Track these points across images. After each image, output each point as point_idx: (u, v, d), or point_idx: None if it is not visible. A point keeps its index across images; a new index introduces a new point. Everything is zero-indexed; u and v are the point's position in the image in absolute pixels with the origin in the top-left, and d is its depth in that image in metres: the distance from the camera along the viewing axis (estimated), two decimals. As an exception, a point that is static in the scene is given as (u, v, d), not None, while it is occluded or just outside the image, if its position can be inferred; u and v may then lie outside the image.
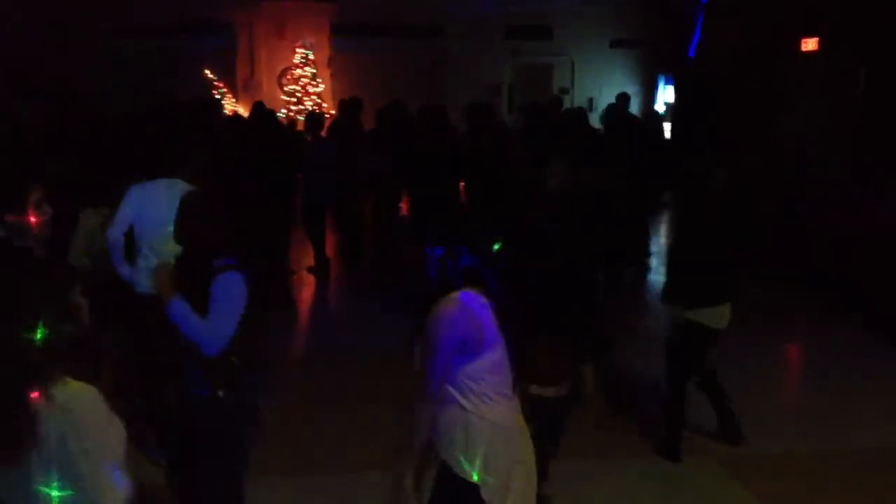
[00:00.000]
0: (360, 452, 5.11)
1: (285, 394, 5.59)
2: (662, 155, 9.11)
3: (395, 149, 9.15)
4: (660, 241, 9.73)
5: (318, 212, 9.06)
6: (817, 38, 11.79)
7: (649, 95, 16.70)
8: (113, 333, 4.14)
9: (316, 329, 7.88)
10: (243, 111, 13.81)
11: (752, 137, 11.45)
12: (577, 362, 4.07)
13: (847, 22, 10.94)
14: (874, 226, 8.54)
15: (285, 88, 16.22)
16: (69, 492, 2.13)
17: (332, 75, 16.64)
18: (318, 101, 16.05)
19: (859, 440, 5.36)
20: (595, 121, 10.90)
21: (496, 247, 3.58)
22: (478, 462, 2.90)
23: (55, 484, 2.13)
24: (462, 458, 2.91)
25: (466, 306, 2.84)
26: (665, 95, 16.36)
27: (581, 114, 9.93)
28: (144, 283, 4.44)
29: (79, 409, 2.14)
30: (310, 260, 9.26)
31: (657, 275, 9.06)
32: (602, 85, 17.04)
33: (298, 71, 16.19)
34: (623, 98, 10.22)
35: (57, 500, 2.13)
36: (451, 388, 2.90)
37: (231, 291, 3.35)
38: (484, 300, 2.89)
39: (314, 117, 9.30)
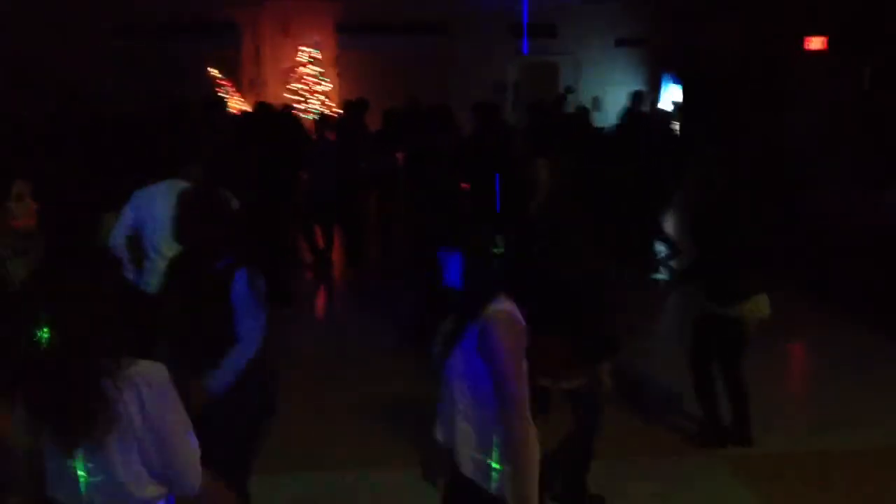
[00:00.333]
0: (360, 451, 5.13)
1: (285, 393, 5.59)
2: (669, 154, 9.10)
3: (400, 148, 9.20)
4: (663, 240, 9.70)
5: (320, 210, 9.10)
6: (822, 38, 11.78)
7: (654, 94, 16.68)
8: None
9: (314, 327, 7.89)
10: (250, 110, 13.84)
11: (756, 136, 11.43)
12: (591, 359, 4.08)
13: (851, 22, 10.92)
14: (877, 225, 8.53)
15: (291, 87, 16.23)
16: (154, 465, 2.26)
17: (338, 74, 16.64)
18: (324, 99, 16.06)
19: (862, 440, 5.35)
20: (600, 119, 10.91)
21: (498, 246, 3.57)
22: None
23: (138, 458, 2.24)
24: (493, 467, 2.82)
25: (519, 319, 2.77)
26: (671, 94, 16.34)
27: (584, 113, 9.93)
28: (153, 284, 4.50)
29: (158, 381, 2.25)
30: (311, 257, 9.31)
31: (660, 274, 9.06)
32: (607, 84, 17.03)
33: (304, 70, 16.20)
34: (635, 96, 10.20)
35: (145, 474, 2.26)
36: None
37: (247, 290, 3.43)
38: (515, 307, 2.81)
39: (324, 118, 9.41)
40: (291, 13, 16.47)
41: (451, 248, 2.81)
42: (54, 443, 2.20)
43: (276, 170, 7.45)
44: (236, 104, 15.50)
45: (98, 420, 2.17)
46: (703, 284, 5.09)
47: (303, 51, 16.20)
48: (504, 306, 2.74)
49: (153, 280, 4.54)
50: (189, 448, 2.33)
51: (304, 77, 16.19)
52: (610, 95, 16.67)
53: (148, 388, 2.23)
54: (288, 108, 11.35)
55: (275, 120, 9.41)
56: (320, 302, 8.87)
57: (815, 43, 11.84)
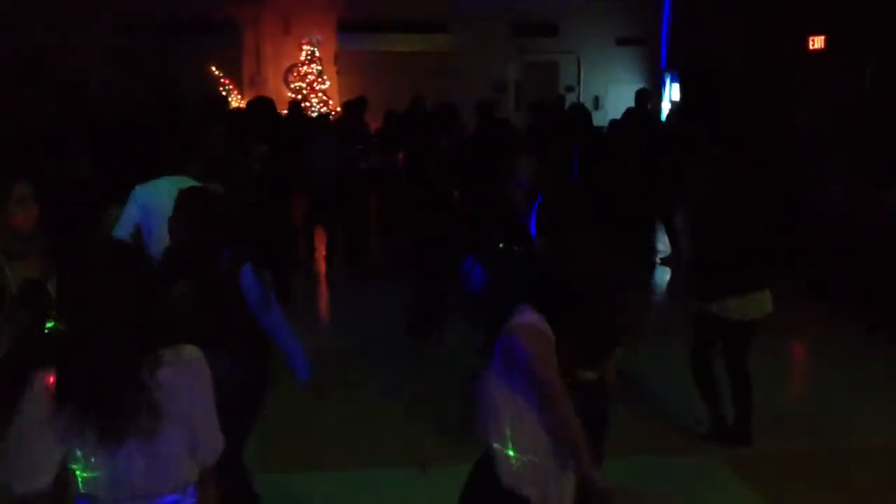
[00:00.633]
0: (362, 450, 5.13)
1: (285, 392, 5.60)
2: (669, 153, 9.10)
3: (401, 148, 9.20)
4: (666, 241, 9.69)
5: (320, 210, 9.12)
6: (824, 37, 11.77)
7: (656, 93, 16.67)
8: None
9: (314, 326, 7.89)
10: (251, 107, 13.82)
11: (758, 136, 11.42)
12: (594, 358, 4.08)
13: (853, 21, 10.91)
14: (878, 225, 8.52)
15: (291, 85, 16.22)
16: (188, 443, 2.34)
17: (338, 72, 16.64)
18: (325, 98, 16.05)
19: (862, 440, 5.35)
20: (600, 119, 10.90)
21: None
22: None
23: (178, 440, 2.31)
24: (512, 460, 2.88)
25: (546, 329, 2.81)
26: (672, 93, 16.34)
27: (581, 110, 9.92)
28: None
29: (198, 361, 2.36)
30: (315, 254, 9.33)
31: (663, 272, 9.07)
32: (608, 83, 17.03)
33: (304, 68, 16.19)
34: (639, 95, 10.19)
35: (184, 455, 2.34)
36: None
37: (256, 282, 3.57)
38: (539, 314, 2.86)
39: (323, 117, 9.44)
40: (292, 11, 16.46)
41: (473, 260, 2.87)
42: (99, 440, 2.21)
43: (276, 169, 7.44)
44: (236, 102, 15.50)
45: (143, 410, 2.21)
46: (703, 283, 5.09)
47: (303, 49, 16.19)
48: (526, 318, 2.79)
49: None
50: (215, 419, 2.42)
51: (305, 75, 16.18)
52: (611, 94, 16.67)
53: (186, 370, 2.31)
54: (295, 104, 11.37)
55: (276, 118, 9.38)
56: (320, 301, 8.87)
57: (818, 42, 11.83)
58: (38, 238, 3.48)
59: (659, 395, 5.87)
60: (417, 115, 9.96)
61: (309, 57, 16.16)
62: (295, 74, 16.30)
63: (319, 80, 16.15)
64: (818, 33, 11.75)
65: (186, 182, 4.52)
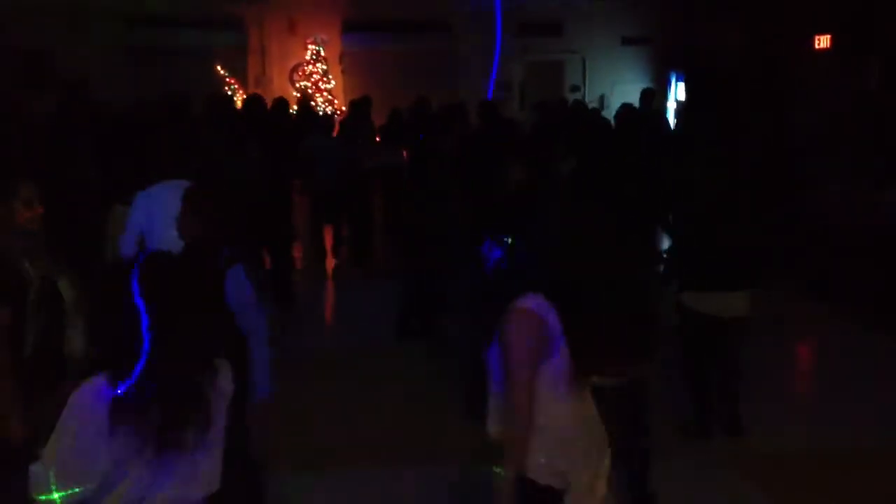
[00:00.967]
0: (363, 450, 5.16)
1: (287, 390, 5.63)
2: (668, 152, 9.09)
3: (403, 147, 9.23)
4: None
5: (326, 209, 9.16)
6: (829, 36, 11.75)
7: (661, 93, 16.65)
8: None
9: (317, 325, 7.93)
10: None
11: (757, 136, 11.41)
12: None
13: (854, 21, 10.90)
14: (877, 225, 8.52)
15: (296, 84, 16.27)
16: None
17: (342, 71, 16.67)
18: (330, 97, 16.09)
19: (862, 439, 5.36)
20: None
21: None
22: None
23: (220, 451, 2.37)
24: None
25: (539, 316, 2.83)
26: (677, 93, 16.31)
27: (582, 108, 9.93)
28: None
29: (231, 377, 2.41)
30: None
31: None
32: (614, 82, 17.00)
33: (310, 67, 16.23)
34: (643, 95, 10.17)
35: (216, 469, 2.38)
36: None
37: (242, 284, 3.54)
38: (548, 303, 2.87)
39: (325, 116, 9.46)
40: (298, 10, 16.50)
41: (493, 243, 2.88)
42: (160, 451, 2.19)
43: (276, 167, 7.48)
44: (241, 101, 15.54)
45: (200, 421, 2.24)
46: (698, 281, 5.11)
47: (309, 48, 16.23)
48: (527, 303, 2.81)
49: None
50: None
51: (310, 74, 16.22)
52: (616, 94, 16.64)
53: (226, 383, 2.36)
54: (304, 101, 11.42)
55: (276, 116, 9.41)
56: (324, 300, 8.90)
57: (819, 42, 11.82)
58: (40, 237, 3.53)
59: (659, 395, 5.88)
60: (420, 116, 9.97)
61: (314, 56, 16.20)
62: (300, 74, 16.34)
63: (324, 79, 16.19)
64: (819, 33, 11.74)
65: (187, 184, 4.56)
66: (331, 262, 9.59)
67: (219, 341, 2.39)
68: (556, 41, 17.14)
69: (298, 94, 15.34)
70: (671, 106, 16.11)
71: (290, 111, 10.86)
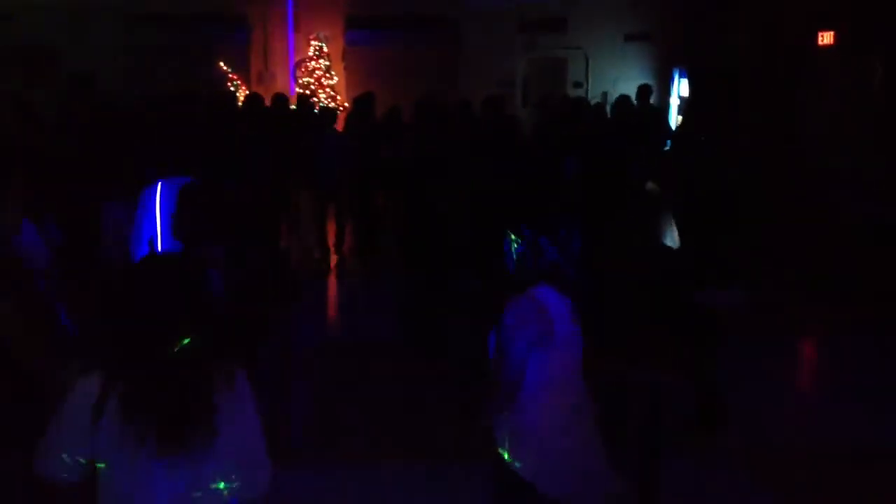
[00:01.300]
0: (364, 448, 5.17)
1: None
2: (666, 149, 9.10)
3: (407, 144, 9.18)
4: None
5: (325, 204, 9.16)
6: (833, 32, 11.71)
7: (664, 89, 16.62)
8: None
9: (320, 322, 7.94)
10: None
11: (769, 132, 11.40)
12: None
13: (862, 17, 10.86)
14: (878, 224, 8.50)
15: (299, 81, 16.27)
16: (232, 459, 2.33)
17: (345, 68, 16.68)
18: (333, 93, 16.10)
19: (862, 439, 5.36)
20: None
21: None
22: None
23: (229, 464, 2.31)
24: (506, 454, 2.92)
25: (539, 301, 2.86)
26: (680, 89, 16.28)
27: (582, 104, 9.91)
28: None
29: (241, 380, 2.38)
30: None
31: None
32: (617, 79, 16.96)
33: (312, 63, 16.23)
34: (640, 90, 10.13)
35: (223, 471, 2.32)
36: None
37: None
38: (562, 296, 2.89)
39: (326, 111, 9.41)
40: (300, 7, 16.50)
41: (516, 238, 2.93)
42: (158, 450, 2.20)
43: (277, 163, 7.47)
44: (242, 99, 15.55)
45: (205, 424, 2.24)
46: (698, 276, 5.12)
47: (312, 45, 16.23)
48: (535, 292, 2.84)
49: None
50: (262, 448, 2.39)
51: (313, 71, 16.22)
52: (619, 91, 16.58)
53: (242, 388, 2.34)
54: (305, 98, 11.41)
55: (277, 115, 9.40)
56: (328, 297, 8.91)
57: (826, 38, 11.77)
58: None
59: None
60: (422, 116, 9.94)
61: (317, 52, 16.20)
62: (303, 70, 16.35)
63: (327, 75, 16.19)
64: (826, 29, 11.70)
65: (187, 181, 4.57)
66: (333, 259, 9.58)
67: (218, 342, 2.37)
68: (559, 38, 17.11)
69: (301, 90, 15.35)
70: (674, 102, 16.08)
71: (291, 107, 10.84)
